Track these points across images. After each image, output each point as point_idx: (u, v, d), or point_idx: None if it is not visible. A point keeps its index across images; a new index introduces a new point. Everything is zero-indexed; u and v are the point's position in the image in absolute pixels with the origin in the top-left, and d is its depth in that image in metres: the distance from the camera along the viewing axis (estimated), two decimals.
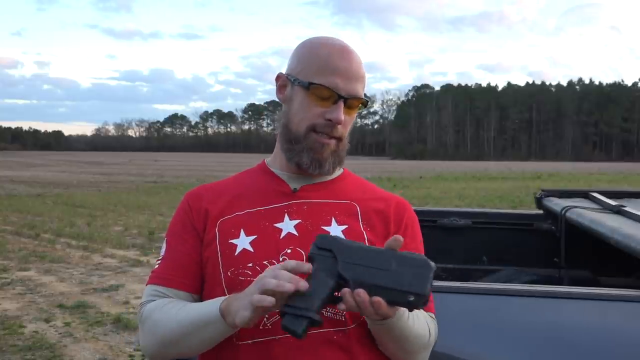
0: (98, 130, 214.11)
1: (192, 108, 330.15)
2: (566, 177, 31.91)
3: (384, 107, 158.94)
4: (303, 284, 0.95)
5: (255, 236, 1.15)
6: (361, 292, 0.94)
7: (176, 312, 1.09)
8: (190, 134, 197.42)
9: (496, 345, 1.58)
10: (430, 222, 3.26)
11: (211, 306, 1.05)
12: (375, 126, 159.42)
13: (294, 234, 1.15)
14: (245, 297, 0.98)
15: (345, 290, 0.96)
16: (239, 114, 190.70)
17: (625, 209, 2.50)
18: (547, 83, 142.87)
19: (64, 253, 8.71)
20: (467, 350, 1.57)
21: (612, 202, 2.71)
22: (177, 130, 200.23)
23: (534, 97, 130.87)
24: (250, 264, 1.12)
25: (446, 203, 15.90)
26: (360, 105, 1.19)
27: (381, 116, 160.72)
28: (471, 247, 3.27)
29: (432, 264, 0.96)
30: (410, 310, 0.98)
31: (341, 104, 1.14)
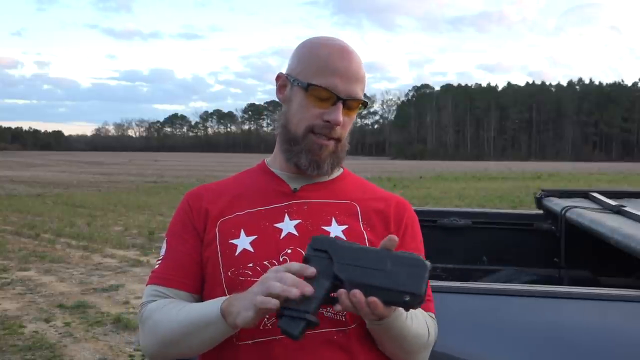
0: (98, 130, 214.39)
1: (192, 108, 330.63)
2: (566, 177, 31.91)
3: (384, 107, 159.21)
4: (309, 290, 0.94)
5: (256, 236, 1.15)
6: (357, 293, 0.94)
7: (177, 313, 1.09)
8: (190, 134, 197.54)
9: (496, 345, 1.58)
10: (430, 222, 3.26)
11: (212, 306, 1.05)
12: (375, 126, 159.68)
13: (294, 234, 1.15)
14: (248, 297, 0.98)
15: (341, 291, 0.96)
16: (239, 114, 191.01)
17: (625, 209, 2.50)
18: (547, 83, 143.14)
19: (64, 253, 8.71)
20: (467, 350, 1.57)
21: (612, 202, 2.71)
22: (177, 130, 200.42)
23: (534, 97, 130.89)
24: (251, 264, 1.12)
25: (446, 203, 15.90)
26: (360, 106, 1.19)
27: (381, 116, 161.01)
28: (471, 247, 3.27)
29: (427, 263, 0.96)
30: (407, 309, 0.98)
31: (340, 106, 1.14)
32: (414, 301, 0.94)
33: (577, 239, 2.82)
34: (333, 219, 1.18)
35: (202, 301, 1.16)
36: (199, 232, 1.19)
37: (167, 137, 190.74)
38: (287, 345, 1.06)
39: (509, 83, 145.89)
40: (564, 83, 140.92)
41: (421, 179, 30.09)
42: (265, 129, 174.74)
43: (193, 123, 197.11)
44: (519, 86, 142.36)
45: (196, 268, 1.18)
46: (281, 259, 1.12)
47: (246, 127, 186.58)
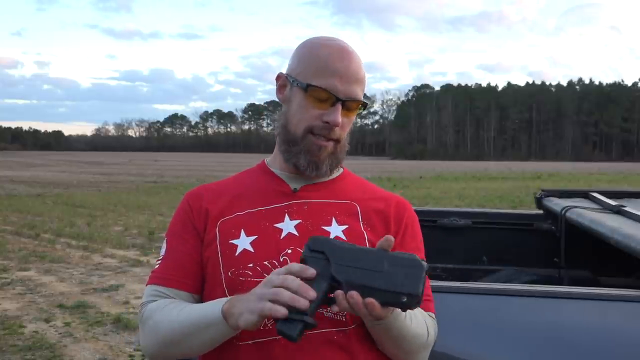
0: (98, 130, 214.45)
1: (192, 108, 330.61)
2: (566, 177, 31.91)
3: (384, 107, 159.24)
4: (311, 294, 0.94)
5: (256, 236, 1.15)
6: (354, 294, 0.94)
7: (177, 313, 1.09)
8: (190, 134, 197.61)
9: (496, 345, 1.58)
10: (430, 222, 3.26)
11: (213, 307, 1.05)
12: (375, 126, 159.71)
13: (294, 234, 1.15)
14: (251, 300, 0.98)
15: (339, 292, 0.96)
16: (239, 114, 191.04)
17: (625, 209, 2.50)
18: (547, 83, 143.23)
19: (64, 253, 8.71)
20: (467, 350, 1.57)
21: (612, 202, 2.71)
22: (177, 130, 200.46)
23: (534, 97, 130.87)
24: (251, 265, 1.12)
25: (446, 203, 15.90)
26: (360, 107, 1.19)
27: (381, 116, 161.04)
28: (471, 247, 3.27)
29: (424, 263, 0.96)
30: (404, 310, 0.98)
31: (339, 107, 1.14)
32: (412, 302, 0.94)
33: (577, 239, 2.82)
34: (333, 219, 1.18)
35: (202, 301, 1.16)
36: (199, 232, 1.19)
37: (167, 137, 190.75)
38: (287, 346, 1.05)
39: (509, 83, 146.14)
40: (564, 83, 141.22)
41: (421, 179, 30.08)
42: (265, 129, 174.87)
43: (193, 123, 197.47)
44: (519, 86, 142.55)
45: (196, 268, 1.18)
46: (281, 259, 1.12)
47: (246, 127, 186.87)
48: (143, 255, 8.53)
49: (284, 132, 1.20)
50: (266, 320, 1.07)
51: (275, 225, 1.17)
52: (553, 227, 3.14)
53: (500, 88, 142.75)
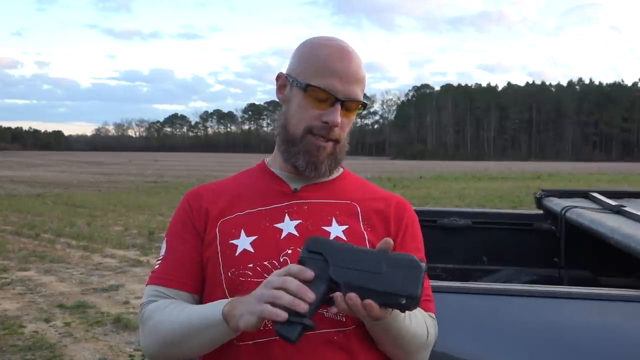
0: (98, 130, 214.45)
1: (192, 108, 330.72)
2: (566, 177, 31.91)
3: (384, 107, 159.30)
4: (310, 296, 0.94)
5: (256, 237, 1.15)
6: (353, 296, 0.94)
7: (178, 314, 1.09)
8: (190, 134, 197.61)
9: (496, 345, 1.58)
10: (430, 222, 3.26)
11: (213, 309, 1.05)
12: (375, 126, 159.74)
13: (294, 235, 1.15)
14: (252, 302, 0.98)
15: (337, 294, 0.96)
16: (239, 114, 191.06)
17: (625, 209, 2.50)
18: (547, 83, 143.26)
19: (64, 253, 8.71)
20: (467, 350, 1.57)
21: (612, 202, 2.71)
22: (177, 130, 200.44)
23: (534, 97, 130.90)
24: (251, 265, 1.12)
25: (446, 203, 15.90)
26: (359, 107, 1.18)
27: (381, 116, 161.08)
28: (471, 247, 3.27)
29: (423, 264, 0.96)
30: (403, 311, 0.98)
31: (338, 107, 1.14)
32: (410, 303, 0.94)
33: (577, 239, 2.82)
34: (333, 219, 1.18)
35: (202, 301, 1.16)
36: (199, 231, 1.19)
37: (167, 137, 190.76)
38: (287, 346, 1.05)
39: (509, 83, 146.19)
40: (564, 83, 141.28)
41: (421, 179, 30.08)
42: (265, 129, 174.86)
43: (193, 123, 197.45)
44: (519, 86, 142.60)
45: (196, 268, 1.18)
46: (281, 260, 1.12)
47: (246, 127, 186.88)
48: (143, 255, 8.53)
49: (283, 132, 1.20)
50: (266, 320, 1.07)
51: (276, 225, 1.17)
52: (553, 227, 3.14)
53: (500, 88, 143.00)
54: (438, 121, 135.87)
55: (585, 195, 3.20)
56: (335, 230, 1.16)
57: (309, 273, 0.97)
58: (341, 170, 1.29)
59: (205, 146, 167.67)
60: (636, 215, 2.33)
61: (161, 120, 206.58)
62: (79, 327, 5.09)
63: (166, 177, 32.18)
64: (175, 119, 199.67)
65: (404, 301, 0.93)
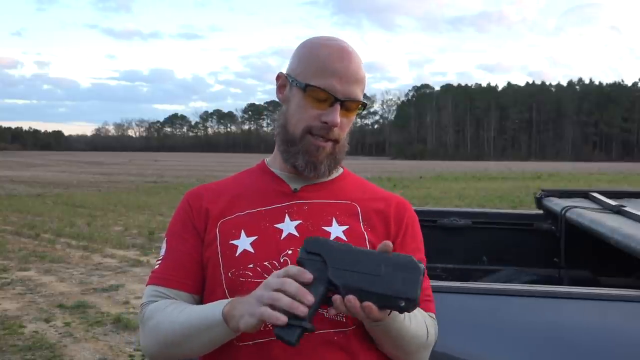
0: (98, 130, 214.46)
1: (192, 108, 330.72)
2: (566, 177, 31.91)
3: (384, 107, 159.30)
4: (310, 298, 0.94)
5: (256, 237, 1.15)
6: (351, 299, 0.94)
7: (178, 314, 1.09)
8: (190, 134, 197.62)
9: (496, 345, 1.58)
10: (430, 222, 3.25)
11: (214, 310, 1.05)
12: (375, 126, 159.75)
13: (294, 235, 1.15)
14: (252, 303, 0.97)
15: (336, 297, 0.96)
16: (239, 114, 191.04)
17: (625, 209, 2.50)
18: (547, 83, 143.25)
19: (64, 253, 8.71)
20: (467, 350, 1.57)
21: (612, 202, 2.71)
22: (177, 130, 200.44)
23: (534, 97, 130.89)
24: (251, 265, 1.12)
25: (446, 203, 15.90)
26: (359, 107, 1.18)
27: (381, 116, 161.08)
28: (471, 247, 3.27)
29: (421, 266, 0.95)
30: (401, 312, 0.98)
31: (337, 107, 1.14)
32: (409, 306, 0.94)
33: (577, 239, 2.82)
34: (334, 219, 1.18)
35: (202, 302, 1.16)
36: (199, 231, 1.19)
37: (167, 137, 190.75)
38: (287, 346, 1.05)
39: (509, 83, 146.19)
40: (564, 83, 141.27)
41: (421, 179, 30.08)
42: (265, 129, 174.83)
43: (193, 123, 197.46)
44: (519, 86, 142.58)
45: (196, 268, 1.18)
46: (282, 260, 1.12)
47: (246, 127, 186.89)
48: (143, 255, 8.53)
49: (283, 132, 1.20)
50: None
51: (276, 225, 1.17)
52: (553, 227, 3.14)
53: (500, 88, 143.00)
54: (438, 121, 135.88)
55: (585, 195, 3.20)
56: (336, 231, 1.16)
57: (308, 275, 0.96)
58: (341, 170, 1.29)
59: (205, 146, 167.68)
60: (636, 215, 2.33)
61: (161, 120, 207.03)
62: (79, 327, 5.09)
63: (166, 177, 32.18)
64: (175, 119, 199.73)
65: (402, 304, 0.94)
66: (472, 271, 3.19)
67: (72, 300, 5.97)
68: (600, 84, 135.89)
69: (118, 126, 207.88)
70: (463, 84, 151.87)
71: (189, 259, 1.18)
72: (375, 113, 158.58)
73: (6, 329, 4.98)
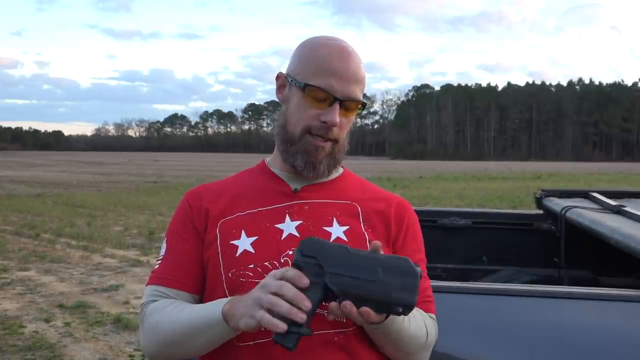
0: (98, 130, 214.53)
1: (192, 108, 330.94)
2: (566, 177, 31.90)
3: (384, 107, 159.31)
4: (307, 304, 0.94)
5: (257, 237, 1.15)
6: (347, 305, 0.94)
7: (178, 314, 1.09)
8: (190, 134, 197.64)
9: (496, 345, 1.58)
10: (430, 222, 3.25)
11: (213, 308, 1.05)
12: (375, 126, 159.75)
13: (295, 235, 1.15)
14: (250, 305, 0.97)
15: (333, 304, 0.97)
16: (239, 114, 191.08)
17: (625, 209, 2.50)
18: (547, 83, 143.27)
19: (64, 253, 8.71)
20: (467, 350, 1.57)
21: (612, 202, 2.71)
22: (177, 130, 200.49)
23: (534, 97, 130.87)
24: (252, 266, 1.12)
25: (446, 203, 15.89)
26: (359, 107, 1.18)
27: (381, 116, 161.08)
28: (471, 247, 3.27)
29: (418, 270, 0.95)
30: (398, 316, 0.98)
31: (336, 106, 1.13)
32: (407, 311, 0.94)
33: (577, 239, 2.81)
34: (334, 219, 1.18)
35: (202, 302, 1.16)
36: (199, 231, 1.19)
37: (167, 137, 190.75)
38: None
39: (509, 83, 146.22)
40: (564, 83, 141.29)
41: (421, 179, 30.07)
42: (265, 129, 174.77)
43: (193, 123, 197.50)
44: (519, 86, 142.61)
45: (196, 268, 1.18)
46: (282, 260, 1.12)
47: (246, 127, 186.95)
48: (143, 255, 8.52)
49: (282, 131, 1.20)
50: None
51: (276, 225, 1.16)
52: (553, 227, 3.14)
53: (500, 88, 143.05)
54: (438, 121, 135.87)
55: (585, 195, 3.20)
56: (336, 231, 1.16)
57: (305, 280, 0.96)
58: (341, 170, 1.29)
59: (205, 146, 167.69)
60: (636, 215, 2.33)
61: (161, 120, 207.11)
62: (79, 327, 5.09)
63: (166, 177, 32.18)
64: (175, 119, 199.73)
65: (400, 310, 0.94)
66: (472, 271, 3.19)
67: (72, 300, 5.97)
68: (600, 84, 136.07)
69: (118, 126, 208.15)
70: (463, 84, 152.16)
71: (189, 258, 1.18)
72: (375, 113, 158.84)
73: (6, 329, 4.98)
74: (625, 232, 2.03)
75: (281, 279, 0.96)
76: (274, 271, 1.00)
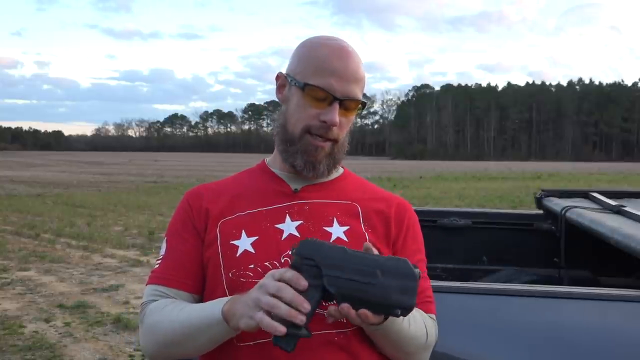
0: (98, 130, 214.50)
1: (192, 108, 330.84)
2: (566, 177, 31.91)
3: (384, 107, 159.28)
4: (306, 306, 0.94)
5: (257, 237, 1.15)
6: (345, 307, 0.94)
7: (177, 313, 1.09)
8: (190, 134, 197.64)
9: (496, 345, 1.58)
10: (430, 222, 3.25)
11: (213, 308, 1.04)
12: (375, 126, 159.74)
13: (295, 235, 1.15)
14: (248, 305, 0.97)
15: (331, 307, 0.97)
16: (239, 114, 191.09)
17: (625, 209, 2.50)
18: (547, 83, 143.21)
19: (64, 253, 8.71)
20: (467, 350, 1.57)
21: (612, 202, 2.71)
22: (177, 130, 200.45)
23: (534, 97, 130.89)
24: (252, 266, 1.12)
25: (446, 203, 15.89)
26: (359, 106, 1.18)
27: (381, 116, 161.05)
28: (471, 247, 3.27)
29: (417, 271, 0.95)
30: (397, 317, 0.98)
31: (336, 106, 1.13)
32: (405, 313, 0.94)
33: (577, 239, 2.81)
34: (334, 219, 1.18)
35: (202, 301, 1.15)
36: (199, 231, 1.19)
37: (167, 137, 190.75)
38: None
39: (509, 83, 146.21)
40: (564, 83, 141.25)
41: (421, 179, 30.08)
42: (265, 129, 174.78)
43: (193, 123, 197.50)
44: (519, 86, 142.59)
45: (196, 267, 1.18)
46: (282, 260, 1.12)
47: (246, 127, 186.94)
48: (143, 255, 8.52)
49: (282, 131, 1.20)
50: None
51: (276, 226, 1.16)
52: (553, 227, 3.14)
53: (500, 88, 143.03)
54: (438, 121, 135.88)
55: (585, 195, 3.20)
56: (337, 231, 1.16)
57: (303, 282, 0.96)
58: (341, 170, 1.29)
59: (205, 146, 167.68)
60: (636, 215, 2.33)
61: (161, 120, 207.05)
62: (79, 327, 5.09)
63: (166, 177, 32.18)
64: (175, 119, 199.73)
65: (399, 312, 0.94)
66: (472, 271, 3.19)
67: (72, 300, 5.97)
68: (600, 84, 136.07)
69: (118, 126, 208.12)
70: (463, 84, 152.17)
71: (189, 258, 1.18)
72: (375, 113, 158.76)
73: (6, 329, 4.98)
74: (625, 232, 2.03)
75: (279, 280, 0.96)
76: (272, 271, 0.99)
